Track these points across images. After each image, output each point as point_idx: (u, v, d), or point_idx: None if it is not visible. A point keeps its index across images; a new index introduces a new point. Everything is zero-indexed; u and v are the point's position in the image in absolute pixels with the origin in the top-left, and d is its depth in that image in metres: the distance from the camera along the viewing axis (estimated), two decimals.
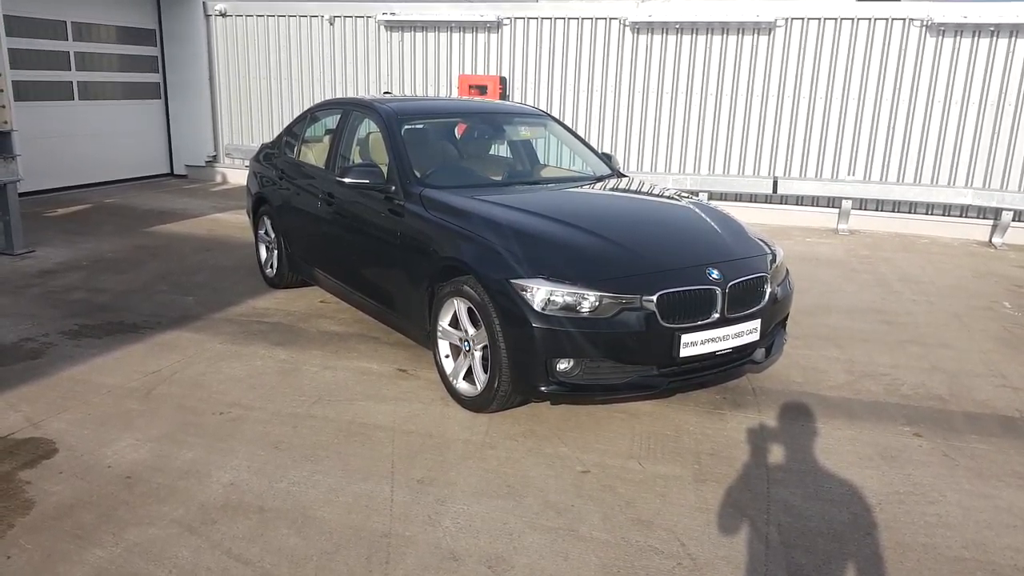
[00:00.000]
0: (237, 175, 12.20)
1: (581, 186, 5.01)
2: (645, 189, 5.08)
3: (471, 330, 3.97)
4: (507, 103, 6.43)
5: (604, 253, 3.81)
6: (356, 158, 5.42)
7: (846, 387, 4.58)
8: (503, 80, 10.61)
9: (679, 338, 3.65)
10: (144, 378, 4.43)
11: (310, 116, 6.09)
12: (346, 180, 4.62)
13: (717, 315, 3.76)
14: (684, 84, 10.09)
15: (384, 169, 4.71)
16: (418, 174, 4.68)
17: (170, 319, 5.52)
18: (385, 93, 8.04)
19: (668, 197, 4.86)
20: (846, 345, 5.34)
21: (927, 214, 9.66)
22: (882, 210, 9.77)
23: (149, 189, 11.61)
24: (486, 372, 3.89)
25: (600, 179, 5.16)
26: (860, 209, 9.72)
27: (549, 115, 5.82)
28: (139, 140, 12.24)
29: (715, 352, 3.79)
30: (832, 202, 9.80)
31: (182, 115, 12.54)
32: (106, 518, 3.04)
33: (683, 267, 3.79)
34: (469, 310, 3.95)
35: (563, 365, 3.63)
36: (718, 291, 3.75)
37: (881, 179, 9.60)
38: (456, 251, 3.99)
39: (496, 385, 3.79)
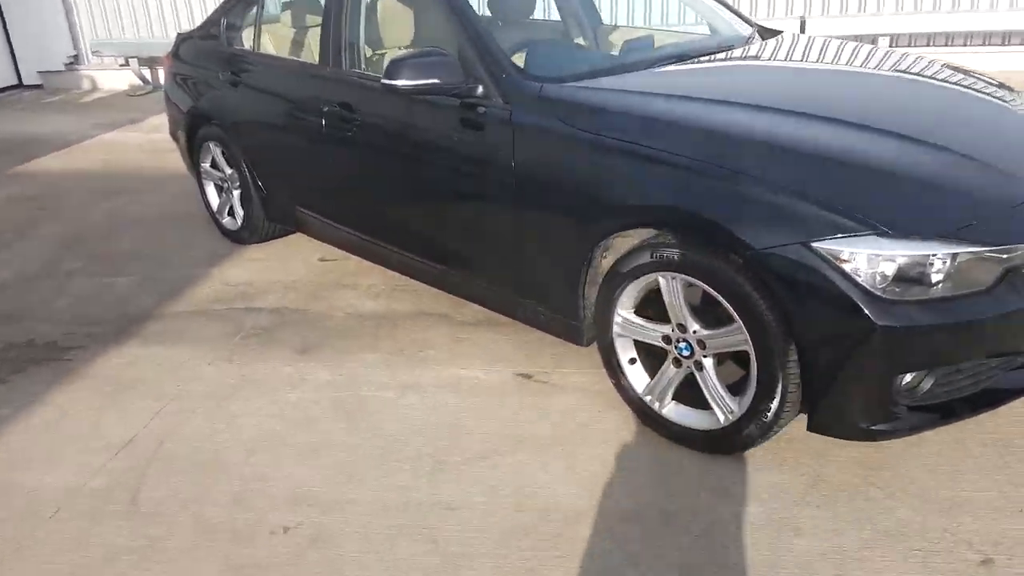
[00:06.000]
0: (111, 79, 9.56)
1: (759, 56, 3.15)
2: (877, 56, 3.21)
3: (695, 326, 2.34)
4: None
5: (943, 173, 2.19)
6: (368, 45, 3.46)
7: None
8: None
9: None
10: (112, 461, 2.61)
11: None
12: (399, 83, 2.72)
13: None
14: None
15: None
16: (518, 63, 2.84)
17: (108, 326, 3.58)
18: None
19: (911, 64, 3.10)
20: None
21: (964, 45, 8.38)
22: (915, 44, 8.41)
23: None
24: (737, 395, 2.32)
25: (755, 42, 3.37)
26: (890, 46, 8.32)
27: None
28: None
29: None
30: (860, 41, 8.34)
31: (21, 4, 9.56)
32: None
33: None
34: (689, 291, 2.32)
35: (909, 380, 2.10)
36: None
37: (916, 9, 8.17)
38: (668, 192, 2.28)
39: (769, 417, 2.22)
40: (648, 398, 2.54)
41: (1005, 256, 2.03)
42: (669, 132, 2.36)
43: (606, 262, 2.52)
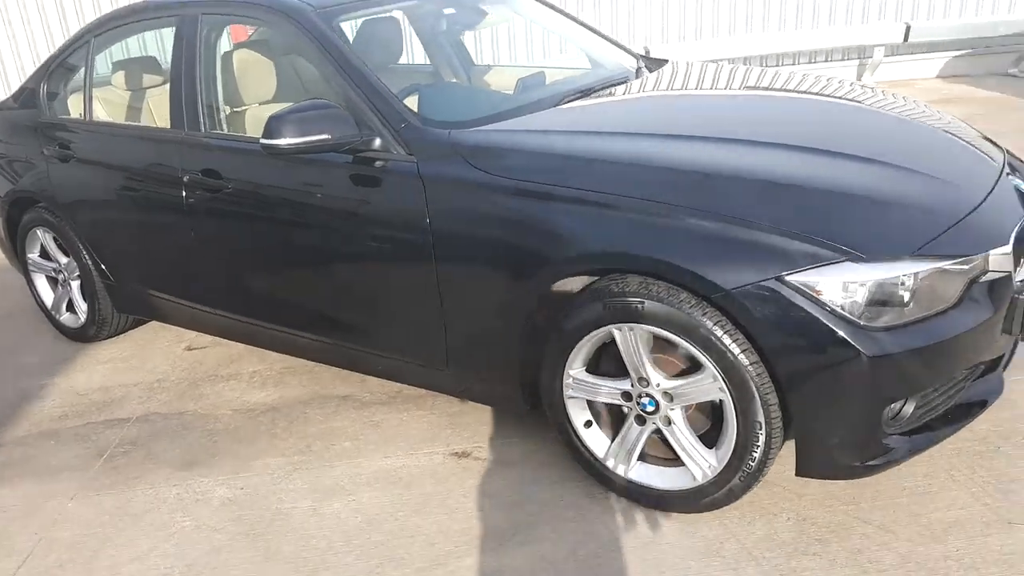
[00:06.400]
0: None
1: (662, 86, 3.00)
2: (767, 79, 3.05)
3: (659, 378, 2.13)
4: None
5: (896, 190, 2.09)
6: (228, 104, 3.06)
7: None
8: None
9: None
10: None
11: (94, 43, 3.40)
12: (283, 142, 2.36)
13: None
14: None
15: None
16: (413, 109, 2.56)
17: None
18: None
19: (801, 82, 3.04)
20: None
21: (793, 64, 8.99)
22: (765, 64, 8.92)
23: None
24: (711, 447, 2.12)
25: (649, 72, 3.22)
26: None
27: None
28: None
29: None
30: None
31: None
32: None
33: (991, 189, 2.23)
34: (653, 341, 2.11)
35: (894, 408, 1.99)
36: None
37: (747, 29, 8.66)
38: (619, 238, 2.04)
39: (753, 466, 2.04)
40: (611, 463, 2.29)
41: (967, 267, 1.97)
42: (609, 172, 2.15)
43: (547, 318, 2.26)
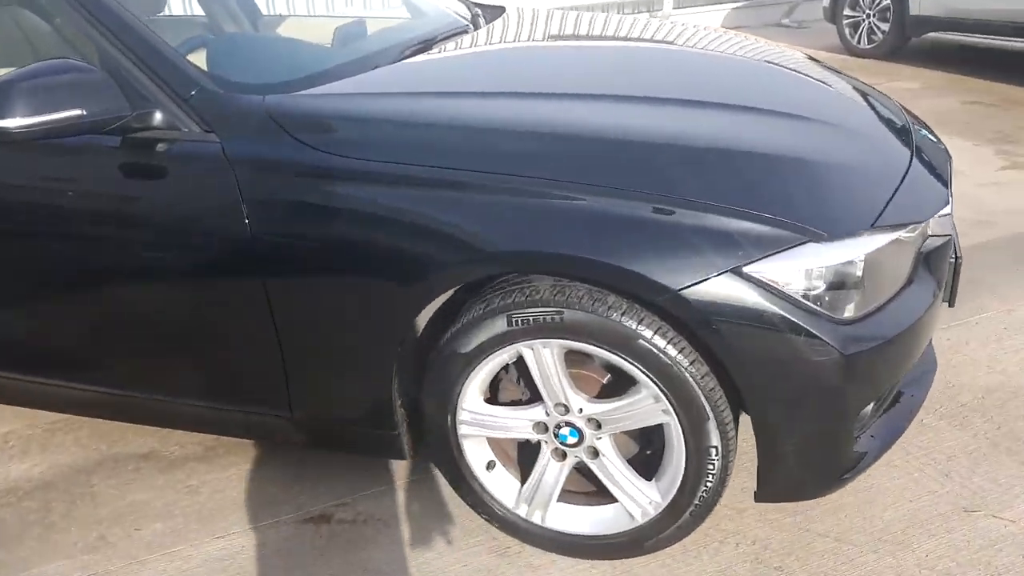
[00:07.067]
0: None
1: (523, 36, 2.48)
2: (638, 29, 2.63)
3: (580, 402, 1.67)
4: None
5: (837, 152, 1.74)
6: None
7: None
8: None
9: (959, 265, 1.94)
10: None
11: None
12: (13, 124, 1.56)
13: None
14: None
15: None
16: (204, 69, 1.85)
17: None
18: None
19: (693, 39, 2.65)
20: None
21: (619, 13, 8.86)
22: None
23: None
24: (651, 478, 1.71)
25: (482, 21, 2.70)
26: None
27: None
28: None
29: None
30: None
31: None
32: None
33: (914, 144, 1.98)
34: (570, 359, 1.65)
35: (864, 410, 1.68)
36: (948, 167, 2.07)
37: None
38: (529, 233, 1.52)
39: (708, 496, 1.65)
40: (523, 510, 1.83)
41: (914, 235, 1.69)
42: (499, 146, 1.63)
43: (427, 340, 1.72)
